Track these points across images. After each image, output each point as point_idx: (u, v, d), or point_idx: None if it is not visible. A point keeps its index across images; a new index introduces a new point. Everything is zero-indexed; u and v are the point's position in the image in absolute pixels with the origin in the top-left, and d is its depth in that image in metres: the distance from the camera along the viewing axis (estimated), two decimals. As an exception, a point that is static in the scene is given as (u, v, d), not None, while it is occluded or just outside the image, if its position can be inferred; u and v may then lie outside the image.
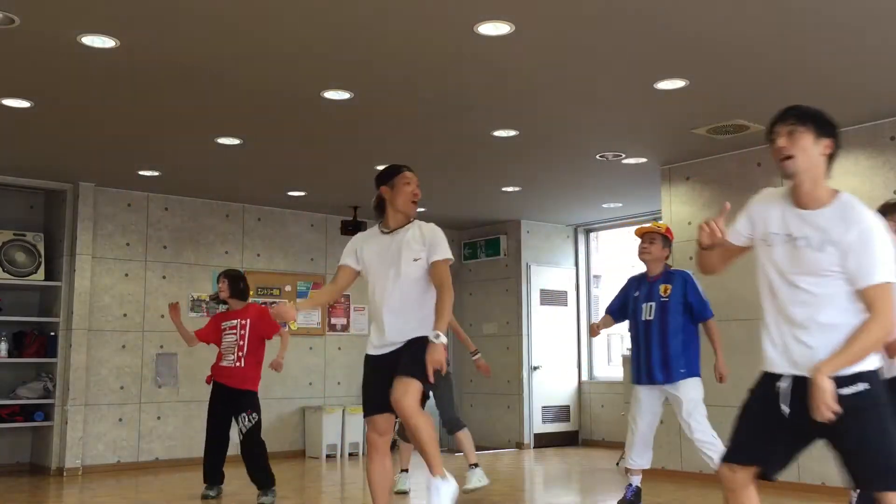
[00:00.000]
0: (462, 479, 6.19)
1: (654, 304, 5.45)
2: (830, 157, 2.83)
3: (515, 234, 10.30)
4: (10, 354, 7.81)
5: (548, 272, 10.36)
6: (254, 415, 5.96)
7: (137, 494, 6.76)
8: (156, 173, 7.78)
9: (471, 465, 6.19)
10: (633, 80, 5.35)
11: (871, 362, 2.75)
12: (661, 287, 5.41)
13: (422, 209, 9.66)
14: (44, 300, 8.33)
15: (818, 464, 6.39)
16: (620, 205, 9.36)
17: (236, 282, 6.31)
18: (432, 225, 4.15)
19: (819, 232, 2.76)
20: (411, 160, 7.34)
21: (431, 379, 3.89)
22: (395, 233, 4.12)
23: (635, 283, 5.64)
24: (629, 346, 5.80)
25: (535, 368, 10.14)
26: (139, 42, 4.66)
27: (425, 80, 5.33)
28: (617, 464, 7.91)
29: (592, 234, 10.79)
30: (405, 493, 6.33)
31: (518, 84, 5.42)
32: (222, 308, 6.65)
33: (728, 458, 2.94)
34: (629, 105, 5.88)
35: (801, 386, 2.70)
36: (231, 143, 6.71)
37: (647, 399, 5.46)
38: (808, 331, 2.77)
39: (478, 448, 7.95)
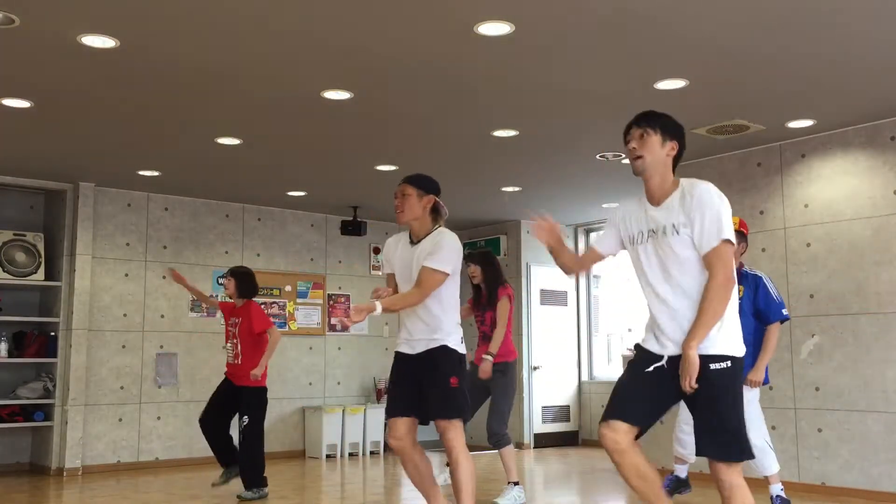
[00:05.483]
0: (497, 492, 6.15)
1: None
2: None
3: (515, 234, 10.30)
4: (10, 354, 7.81)
5: (548, 272, 10.35)
6: (245, 417, 6.11)
7: (137, 494, 6.76)
8: (156, 173, 7.78)
9: (510, 482, 6.11)
10: (633, 80, 5.35)
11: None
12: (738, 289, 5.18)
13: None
14: (44, 300, 8.33)
15: (818, 464, 6.40)
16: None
17: (242, 280, 6.34)
18: (446, 236, 4.16)
19: None
20: (411, 160, 7.40)
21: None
22: (417, 244, 4.22)
23: None
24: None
25: (535, 368, 10.13)
26: (139, 42, 4.66)
27: (425, 81, 5.33)
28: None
29: (592, 234, 10.79)
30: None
31: (518, 84, 5.42)
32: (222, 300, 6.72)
33: None
34: (629, 105, 5.86)
35: None
36: (231, 143, 6.71)
37: None
38: None
39: (478, 448, 7.95)
